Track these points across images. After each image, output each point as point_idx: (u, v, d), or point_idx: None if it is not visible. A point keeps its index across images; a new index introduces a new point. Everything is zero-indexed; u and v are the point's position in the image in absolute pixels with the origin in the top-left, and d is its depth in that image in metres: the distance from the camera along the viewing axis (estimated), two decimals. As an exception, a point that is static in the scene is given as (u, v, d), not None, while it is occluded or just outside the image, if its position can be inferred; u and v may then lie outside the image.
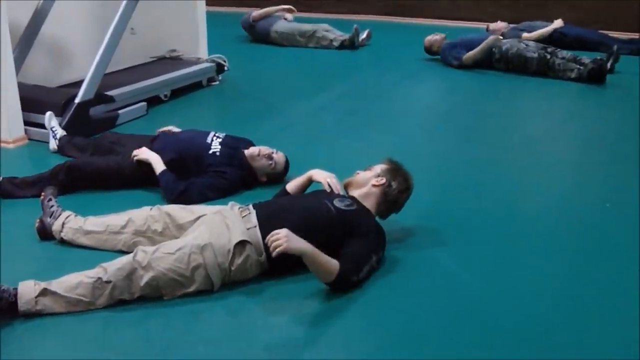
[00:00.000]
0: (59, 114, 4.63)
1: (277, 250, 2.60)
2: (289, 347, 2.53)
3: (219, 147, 3.91)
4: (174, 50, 6.48)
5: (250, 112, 5.54)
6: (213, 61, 6.33)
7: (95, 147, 4.22)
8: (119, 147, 4.10)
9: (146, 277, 2.67)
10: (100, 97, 4.94)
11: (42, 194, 3.34)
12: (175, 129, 4.19)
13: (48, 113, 4.49)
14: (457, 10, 9.78)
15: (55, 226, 3.18)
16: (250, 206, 3.07)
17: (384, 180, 3.20)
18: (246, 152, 3.93)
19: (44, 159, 4.34)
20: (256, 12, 8.48)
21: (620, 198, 3.95)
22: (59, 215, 3.20)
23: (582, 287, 3.00)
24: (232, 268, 2.82)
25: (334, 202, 3.02)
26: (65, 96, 4.79)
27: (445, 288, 2.96)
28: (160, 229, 3.07)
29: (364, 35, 8.38)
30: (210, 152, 3.88)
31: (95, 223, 3.17)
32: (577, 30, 8.00)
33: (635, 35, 8.28)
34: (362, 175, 3.27)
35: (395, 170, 3.27)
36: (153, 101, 5.50)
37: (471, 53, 7.05)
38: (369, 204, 3.14)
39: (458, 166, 4.46)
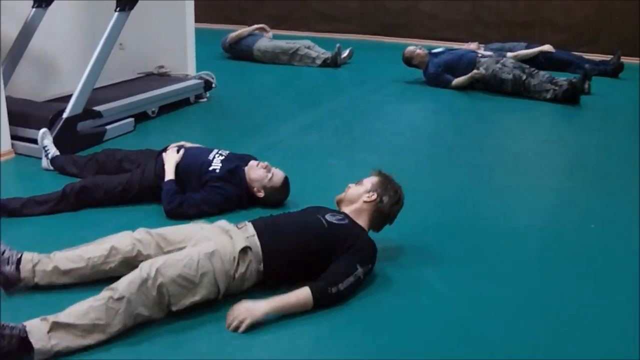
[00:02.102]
0: (47, 128, 4.61)
1: (245, 325, 2.66)
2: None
3: (220, 164, 3.92)
4: (162, 67, 6.50)
5: (238, 130, 5.56)
6: (201, 78, 6.36)
7: (99, 166, 4.21)
8: (127, 164, 4.11)
9: (157, 284, 2.60)
10: (88, 112, 4.94)
11: None
12: (188, 144, 4.17)
13: (42, 130, 4.47)
14: (444, 30, 9.89)
15: (25, 273, 2.85)
16: (246, 222, 3.09)
17: (375, 196, 3.23)
18: (247, 167, 3.95)
19: (32, 174, 4.36)
20: (232, 35, 8.57)
21: (604, 219, 4.02)
22: (17, 259, 2.85)
23: (568, 307, 3.03)
24: (236, 275, 2.82)
25: (326, 216, 3.07)
26: (53, 111, 4.79)
27: (432, 307, 2.98)
28: (153, 253, 2.90)
29: (345, 54, 8.49)
30: (211, 168, 3.90)
31: (71, 259, 2.89)
32: (563, 54, 8.16)
33: (607, 57, 8.44)
34: (353, 191, 3.28)
35: (386, 184, 3.29)
36: (141, 117, 5.51)
37: (459, 82, 7.16)
38: (362, 221, 3.18)
39: (444, 185, 4.51)
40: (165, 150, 4.08)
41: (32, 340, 2.38)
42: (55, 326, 2.44)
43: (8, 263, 2.84)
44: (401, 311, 2.93)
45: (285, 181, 3.94)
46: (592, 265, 3.44)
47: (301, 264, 2.95)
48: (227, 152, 4.07)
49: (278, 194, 3.92)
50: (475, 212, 4.07)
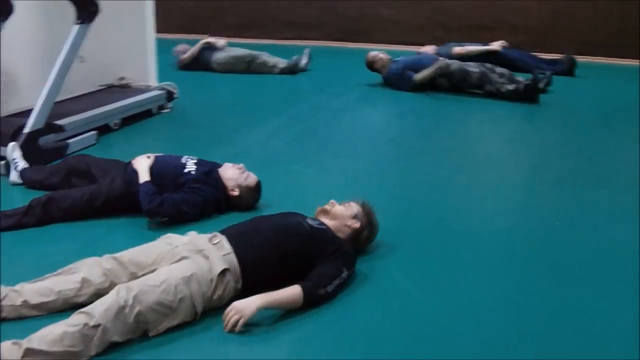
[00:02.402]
0: (8, 144, 4.56)
1: (240, 324, 2.68)
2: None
3: (194, 167, 3.93)
4: (123, 78, 6.46)
5: (202, 140, 5.54)
6: (163, 89, 6.34)
7: (69, 168, 4.16)
8: (95, 170, 4.08)
9: (134, 313, 2.55)
10: (50, 127, 4.89)
11: None
12: (153, 155, 4.10)
13: (11, 144, 4.42)
14: (404, 35, 9.97)
15: None
16: (216, 233, 3.06)
17: (358, 225, 3.31)
18: (220, 169, 3.98)
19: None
20: (184, 57, 8.48)
21: (568, 216, 4.09)
22: None
23: (535, 302, 3.07)
24: (213, 297, 2.81)
25: (307, 220, 3.13)
26: (14, 126, 4.72)
27: (399, 305, 3.01)
28: (126, 281, 2.79)
29: (305, 60, 8.50)
30: (186, 170, 3.90)
31: (41, 292, 2.79)
32: (505, 51, 8.28)
33: (558, 56, 8.65)
34: (338, 210, 3.32)
35: (369, 218, 3.38)
36: (103, 130, 5.46)
37: (422, 75, 7.22)
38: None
39: (410, 188, 4.56)
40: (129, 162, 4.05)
41: None
42: (29, 353, 2.37)
43: None
44: (371, 314, 2.95)
45: (259, 183, 4.00)
46: (558, 262, 3.49)
47: (280, 269, 2.97)
48: (197, 158, 4.07)
49: (252, 194, 3.97)
50: (442, 213, 4.11)
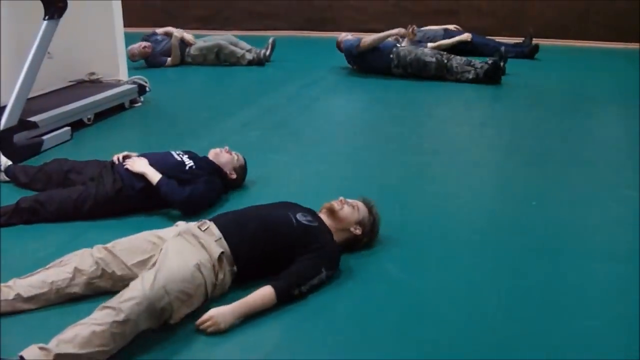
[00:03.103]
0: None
1: (214, 330, 2.67)
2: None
3: (191, 161, 3.94)
4: (93, 73, 6.40)
5: (176, 132, 5.54)
6: (134, 82, 6.29)
7: (47, 177, 4.11)
8: (74, 176, 4.02)
9: (163, 304, 2.57)
10: (23, 124, 4.84)
11: None
12: (133, 154, 4.06)
13: None
14: (370, 22, 9.97)
15: None
16: (205, 220, 3.09)
17: (359, 232, 3.30)
18: (209, 155, 4.03)
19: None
20: (170, 62, 8.29)
21: (543, 195, 4.17)
22: None
23: (518, 281, 3.14)
24: (217, 283, 2.84)
25: (297, 215, 3.12)
26: (-14, 124, 4.67)
27: (388, 291, 3.06)
28: (118, 271, 2.87)
29: (268, 50, 8.45)
30: (187, 167, 3.90)
31: (33, 285, 2.81)
32: (482, 39, 8.39)
33: (519, 40, 8.77)
34: (345, 213, 3.27)
35: (373, 227, 3.37)
36: (77, 125, 5.42)
37: (367, 39, 7.34)
38: (335, 237, 3.22)
39: (386, 174, 4.59)
40: (113, 162, 4.00)
41: None
42: (59, 358, 2.34)
43: None
44: (358, 298, 2.99)
45: (245, 161, 4.14)
46: (538, 241, 3.57)
47: (270, 259, 3.00)
48: (181, 151, 4.08)
49: (244, 172, 4.11)
50: (420, 197, 4.17)
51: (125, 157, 4.00)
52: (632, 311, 2.83)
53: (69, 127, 5.28)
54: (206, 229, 2.99)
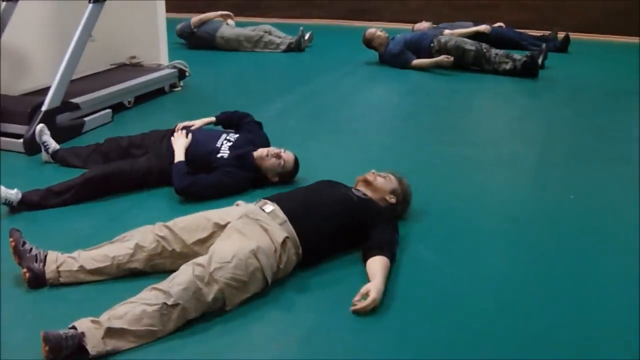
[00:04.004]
0: (26, 122, 4.60)
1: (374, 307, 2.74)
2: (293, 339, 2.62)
3: (228, 151, 3.99)
4: (134, 57, 6.48)
5: (215, 117, 5.56)
6: (174, 67, 6.36)
7: (104, 156, 4.21)
8: (135, 150, 4.15)
9: (213, 292, 2.62)
10: (66, 105, 4.92)
11: (11, 239, 2.91)
12: (197, 124, 4.25)
13: (39, 126, 4.40)
14: (411, 13, 9.93)
15: (50, 274, 2.85)
16: (267, 200, 3.14)
17: (394, 200, 3.43)
18: (255, 153, 4.01)
19: (20, 169, 4.34)
20: (195, 19, 8.50)
21: (581, 189, 4.15)
22: (44, 257, 2.88)
23: (552, 274, 3.13)
24: (281, 266, 2.88)
25: (353, 191, 3.25)
26: (31, 104, 4.76)
27: (421, 275, 3.10)
28: (178, 248, 2.95)
29: (307, 37, 8.54)
30: (219, 155, 3.96)
31: (96, 258, 2.91)
32: (499, 31, 8.30)
33: (546, 33, 8.69)
34: (380, 182, 3.43)
35: (406, 197, 3.52)
36: (117, 108, 5.50)
37: (422, 63, 7.29)
38: None
39: (424, 163, 4.59)
40: (174, 131, 4.13)
41: (88, 347, 2.38)
42: (110, 332, 2.43)
43: (36, 261, 2.86)
44: (394, 281, 3.00)
45: (296, 162, 4.05)
46: (574, 234, 3.55)
47: (334, 239, 3.10)
48: (236, 136, 4.13)
49: (290, 176, 4.05)
50: (458, 187, 4.16)
51: (185, 128, 4.16)
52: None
53: (110, 110, 5.36)
54: (270, 211, 3.03)
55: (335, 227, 3.08)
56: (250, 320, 2.70)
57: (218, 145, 4.02)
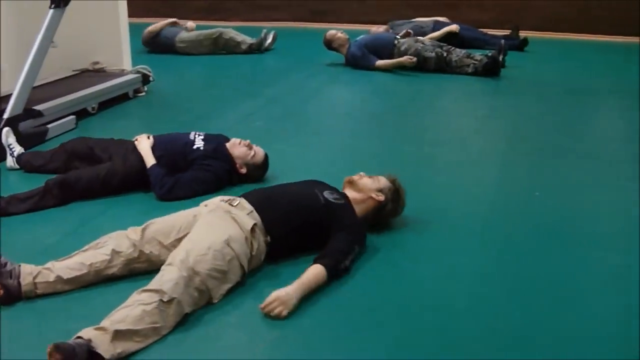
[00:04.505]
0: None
1: (282, 315, 2.70)
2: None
3: (202, 142, 4.01)
4: (97, 63, 6.42)
5: (181, 122, 5.53)
6: (138, 72, 6.31)
7: (67, 154, 4.16)
8: (99, 152, 4.09)
9: (196, 284, 2.67)
10: (28, 112, 4.86)
11: None
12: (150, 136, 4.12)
13: (5, 129, 4.38)
14: (372, 14, 9.99)
15: (26, 286, 2.80)
16: (236, 197, 3.18)
17: (382, 198, 3.40)
18: (227, 144, 4.06)
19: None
20: (151, 28, 8.47)
21: (546, 186, 4.21)
22: (18, 273, 2.81)
23: (523, 269, 3.18)
24: (253, 253, 2.93)
25: (324, 193, 3.24)
26: (-8, 112, 4.69)
27: (393, 279, 3.10)
28: (155, 251, 2.96)
29: (270, 39, 8.56)
30: (195, 147, 3.98)
31: (72, 267, 2.87)
32: (465, 31, 8.37)
33: (507, 32, 8.79)
34: (367, 182, 3.44)
35: (396, 194, 3.48)
36: (81, 114, 5.44)
37: (385, 64, 7.34)
38: (359, 210, 3.33)
39: (392, 164, 4.57)
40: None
41: (100, 351, 2.38)
42: (117, 334, 2.43)
43: (11, 277, 2.80)
44: (366, 287, 3.01)
45: (266, 158, 4.10)
46: (540, 231, 3.60)
47: (300, 234, 3.11)
48: (203, 133, 4.15)
49: (259, 170, 4.08)
50: (425, 187, 4.18)
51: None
52: (633, 303, 2.85)
53: (74, 116, 5.31)
54: (237, 204, 3.09)
55: (298, 222, 3.11)
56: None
57: (191, 138, 4.05)
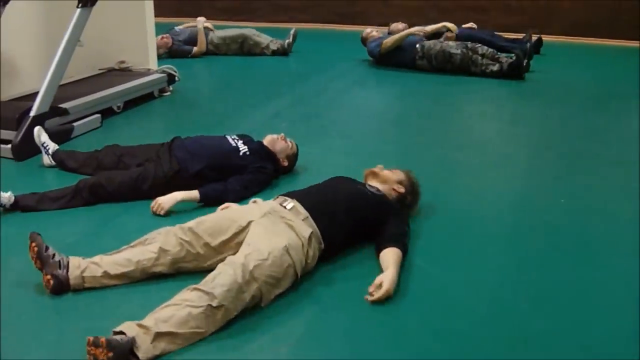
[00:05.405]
0: (14, 127, 4.55)
1: (388, 296, 2.82)
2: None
3: (245, 147, 4.02)
4: (123, 62, 6.44)
5: (206, 122, 5.55)
6: (164, 72, 6.33)
7: (98, 162, 4.16)
8: (128, 159, 4.08)
9: (252, 290, 2.66)
10: (54, 110, 4.87)
11: (33, 244, 2.86)
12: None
13: (36, 128, 4.37)
14: (399, 16, 9.91)
15: (74, 279, 2.83)
16: (285, 197, 3.19)
17: (403, 190, 3.52)
18: (264, 141, 4.12)
19: (8, 175, 4.27)
20: (198, 50, 8.37)
21: (572, 193, 4.14)
22: (67, 264, 2.84)
23: (546, 277, 3.12)
24: (308, 261, 2.95)
25: (367, 187, 3.41)
26: (19, 109, 4.71)
27: (416, 284, 3.03)
28: (202, 251, 2.95)
29: (290, 39, 8.56)
30: (241, 153, 3.99)
31: (120, 263, 2.90)
32: (468, 32, 8.31)
33: (520, 36, 8.66)
34: (386, 174, 3.56)
35: (414, 188, 3.62)
36: (106, 113, 5.46)
37: (387, 40, 7.43)
38: None
39: (415, 166, 4.49)
40: (173, 141, 4.08)
41: (139, 353, 2.37)
42: (159, 336, 2.43)
43: (60, 267, 2.83)
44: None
45: (297, 147, 4.27)
46: (564, 238, 3.54)
47: (351, 233, 3.18)
48: (235, 135, 4.17)
49: (295, 161, 4.23)
50: (449, 191, 4.15)
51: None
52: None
53: (99, 115, 5.32)
54: (292, 207, 3.08)
55: (352, 222, 3.18)
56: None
57: (234, 144, 4.04)
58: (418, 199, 3.65)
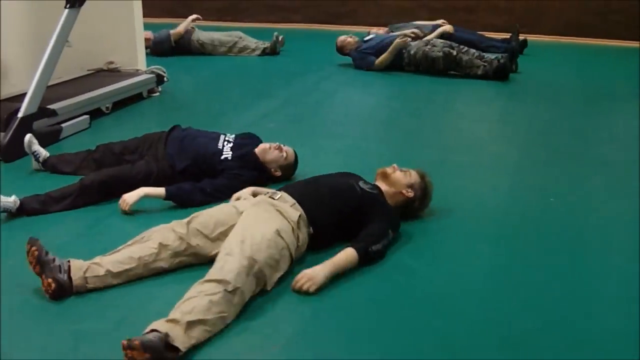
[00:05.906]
0: (3, 128, 4.54)
1: (311, 290, 2.86)
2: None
3: (230, 152, 4.01)
4: (111, 62, 6.42)
5: (195, 122, 5.39)
6: (152, 72, 6.31)
7: (98, 164, 4.14)
8: (128, 155, 4.10)
9: (256, 272, 2.74)
10: (43, 111, 4.85)
11: (33, 248, 2.81)
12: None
13: (27, 136, 4.26)
14: (389, 16, 9.94)
15: (77, 280, 2.81)
16: (276, 190, 3.29)
17: (412, 194, 3.51)
18: (256, 150, 4.06)
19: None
20: (175, 32, 8.41)
21: (561, 192, 4.16)
22: (67, 268, 2.82)
23: (535, 275, 3.13)
24: (299, 244, 3.05)
25: (360, 183, 3.39)
26: (6, 110, 4.70)
27: (404, 282, 3.06)
28: (202, 243, 3.03)
29: (280, 39, 8.56)
30: (222, 157, 3.98)
31: (121, 261, 2.91)
32: (461, 33, 8.28)
33: (507, 36, 8.62)
34: (397, 176, 3.54)
35: (425, 191, 3.61)
36: (95, 114, 5.44)
37: (382, 58, 7.36)
38: (390, 201, 3.46)
39: (404, 166, 4.55)
40: (172, 129, 4.17)
41: (178, 345, 2.40)
42: (190, 325, 2.46)
43: (60, 271, 2.81)
44: (377, 289, 2.99)
45: (296, 156, 4.15)
46: (553, 237, 3.56)
47: (340, 225, 3.25)
48: (234, 136, 4.17)
49: (292, 170, 4.14)
50: (439, 191, 4.13)
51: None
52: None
53: (88, 116, 5.31)
54: (279, 197, 3.20)
55: (338, 214, 3.23)
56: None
57: (219, 147, 4.04)
58: (428, 203, 3.65)
